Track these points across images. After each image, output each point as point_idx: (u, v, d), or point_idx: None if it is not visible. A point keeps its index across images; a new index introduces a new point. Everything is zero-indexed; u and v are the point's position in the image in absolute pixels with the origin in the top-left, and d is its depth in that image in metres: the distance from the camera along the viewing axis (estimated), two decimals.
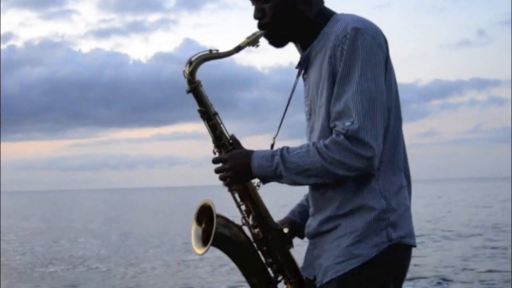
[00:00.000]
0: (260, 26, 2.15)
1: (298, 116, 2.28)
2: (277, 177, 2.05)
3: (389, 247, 2.02)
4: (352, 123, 1.93)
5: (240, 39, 2.15)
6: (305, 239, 2.24)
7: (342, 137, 1.94)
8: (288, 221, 2.32)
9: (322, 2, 2.17)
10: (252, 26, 2.18)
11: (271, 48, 2.20)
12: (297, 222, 2.32)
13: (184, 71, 2.16)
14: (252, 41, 2.13)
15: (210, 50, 2.14)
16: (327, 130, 2.03)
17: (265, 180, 2.10)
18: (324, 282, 2.06)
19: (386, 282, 2.04)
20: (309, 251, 2.18)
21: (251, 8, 2.19)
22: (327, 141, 1.97)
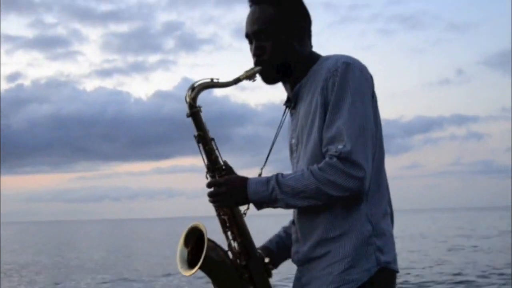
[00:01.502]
0: (257, 62, 2.14)
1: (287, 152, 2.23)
2: (272, 201, 2.01)
3: (378, 271, 2.00)
4: (345, 146, 1.94)
5: (236, 74, 2.13)
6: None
7: (335, 159, 1.94)
8: (265, 249, 2.27)
9: (311, 46, 2.20)
10: (243, 65, 2.16)
11: (264, 86, 2.19)
12: (273, 251, 2.28)
13: (186, 96, 2.12)
14: (250, 75, 2.12)
15: (212, 79, 2.12)
16: (319, 156, 2.01)
17: (259, 205, 2.05)
18: None
19: None
20: (297, 279, 2.14)
21: (244, 49, 2.18)
22: (321, 164, 1.97)
